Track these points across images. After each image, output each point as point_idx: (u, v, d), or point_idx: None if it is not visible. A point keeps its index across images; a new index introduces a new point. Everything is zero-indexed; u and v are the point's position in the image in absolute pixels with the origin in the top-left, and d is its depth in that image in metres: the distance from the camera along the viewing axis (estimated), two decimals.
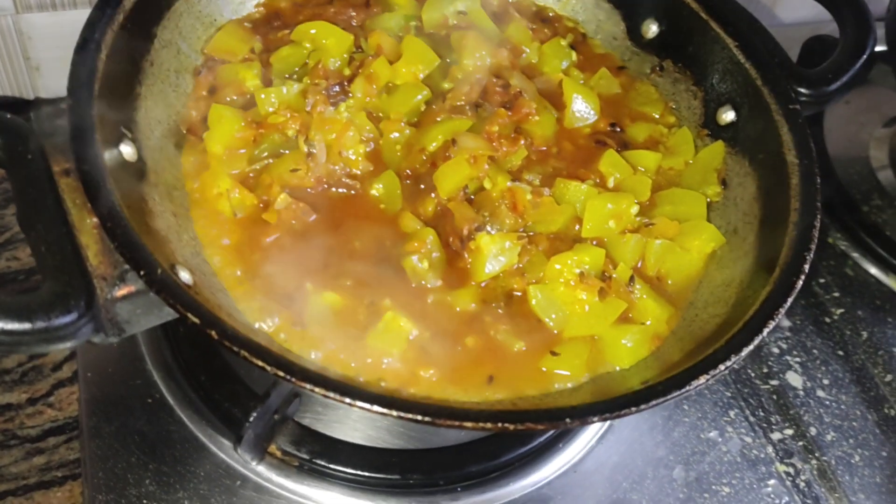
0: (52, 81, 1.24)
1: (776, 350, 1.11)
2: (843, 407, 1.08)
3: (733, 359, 0.72)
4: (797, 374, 1.10)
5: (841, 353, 1.13)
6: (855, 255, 1.23)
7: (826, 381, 1.10)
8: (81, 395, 0.93)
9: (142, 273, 0.67)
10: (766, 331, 0.74)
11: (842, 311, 1.17)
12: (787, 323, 1.14)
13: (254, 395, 0.89)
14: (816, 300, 1.17)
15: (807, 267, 0.80)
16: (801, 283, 0.78)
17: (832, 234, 1.24)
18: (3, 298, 0.64)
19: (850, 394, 1.09)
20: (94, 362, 0.94)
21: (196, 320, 0.65)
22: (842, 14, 1.03)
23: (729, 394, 1.06)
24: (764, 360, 1.10)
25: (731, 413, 1.04)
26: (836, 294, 1.19)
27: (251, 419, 0.83)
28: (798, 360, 1.11)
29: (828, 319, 1.16)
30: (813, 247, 0.81)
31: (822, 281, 1.19)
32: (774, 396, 1.07)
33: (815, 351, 1.12)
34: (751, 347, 0.73)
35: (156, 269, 0.68)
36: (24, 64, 1.23)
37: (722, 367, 0.72)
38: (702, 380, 0.70)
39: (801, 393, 1.08)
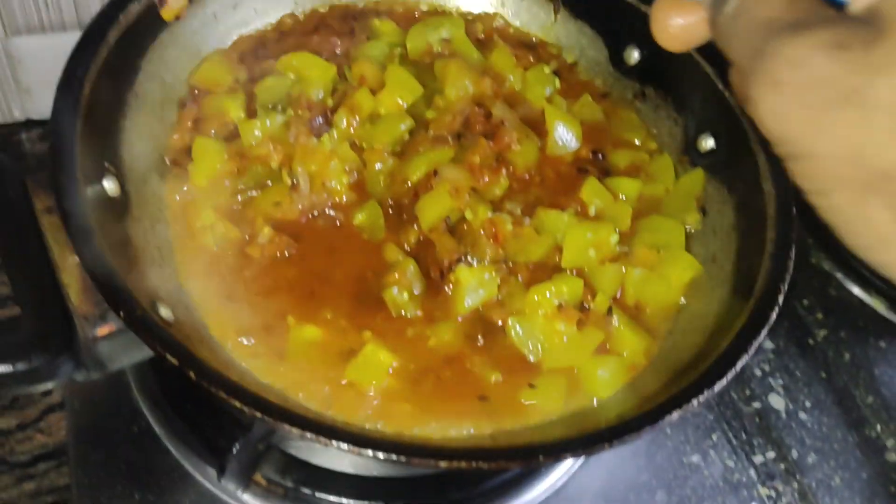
0: (43, 104, 1.26)
1: (759, 372, 1.12)
2: (824, 429, 1.09)
3: (706, 393, 0.73)
4: (780, 396, 1.11)
5: (823, 374, 1.14)
6: (838, 275, 1.24)
7: (808, 404, 1.11)
8: (68, 423, 0.94)
9: (121, 314, 0.68)
10: (739, 364, 0.75)
11: (825, 332, 1.18)
12: (770, 345, 1.15)
13: (238, 425, 0.90)
14: (800, 321, 1.18)
15: (781, 298, 0.81)
16: (774, 315, 0.79)
17: (815, 253, 1.25)
18: None
19: (832, 416, 1.10)
20: (81, 391, 0.95)
21: (175, 361, 0.66)
22: None
23: (711, 417, 1.07)
24: (746, 382, 1.11)
25: (714, 436, 1.05)
26: (820, 315, 1.20)
27: (235, 449, 0.84)
28: (781, 382, 1.12)
29: (811, 341, 1.17)
30: (787, 277, 0.82)
31: (805, 302, 1.20)
32: (757, 419, 1.08)
33: (797, 373, 1.13)
34: (724, 382, 0.74)
35: (135, 309, 0.69)
36: (14, 86, 1.24)
37: (694, 401, 0.72)
38: (674, 415, 0.71)
39: (784, 415, 1.09)
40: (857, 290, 1.22)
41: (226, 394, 0.65)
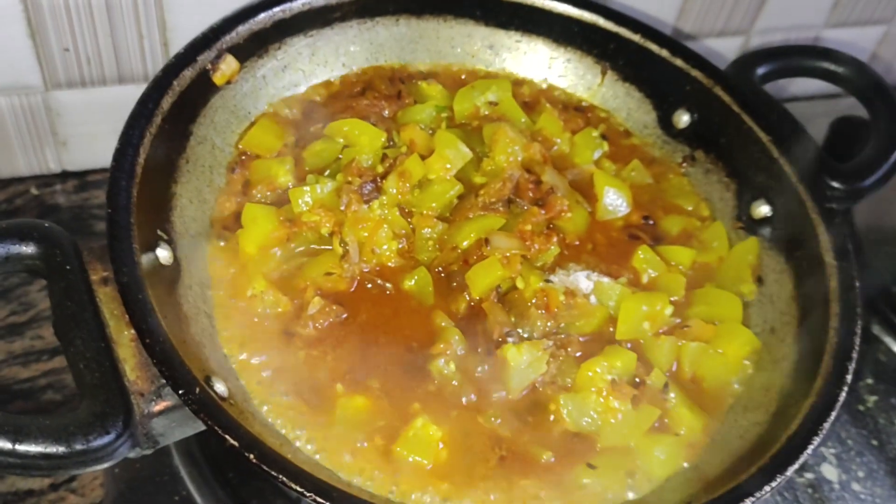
0: (79, 156, 1.26)
1: None
2: (877, 501, 1.05)
3: (778, 479, 0.71)
4: (832, 466, 1.08)
5: (875, 442, 1.11)
6: (887, 339, 1.21)
7: (861, 474, 1.08)
8: (106, 489, 0.92)
9: (181, 393, 0.66)
10: (810, 448, 0.73)
11: (875, 398, 1.15)
12: None
13: (282, 494, 0.88)
14: (850, 387, 1.15)
15: (849, 378, 0.79)
16: (843, 395, 0.77)
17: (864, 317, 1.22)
18: (42, 421, 0.64)
19: (885, 486, 1.07)
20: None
21: (235, 443, 0.65)
22: (874, 106, 1.03)
23: None
24: None
25: None
26: (870, 381, 1.17)
27: None
28: (833, 451, 1.09)
29: (861, 407, 1.14)
30: (855, 356, 0.81)
31: (854, 367, 1.17)
32: (810, 490, 1.05)
33: (849, 441, 1.10)
34: (795, 467, 0.72)
35: (194, 387, 0.67)
36: (51, 139, 1.24)
37: (767, 488, 0.70)
38: (747, 503, 0.69)
39: (837, 486, 1.06)
40: None
41: (287, 478, 0.64)
